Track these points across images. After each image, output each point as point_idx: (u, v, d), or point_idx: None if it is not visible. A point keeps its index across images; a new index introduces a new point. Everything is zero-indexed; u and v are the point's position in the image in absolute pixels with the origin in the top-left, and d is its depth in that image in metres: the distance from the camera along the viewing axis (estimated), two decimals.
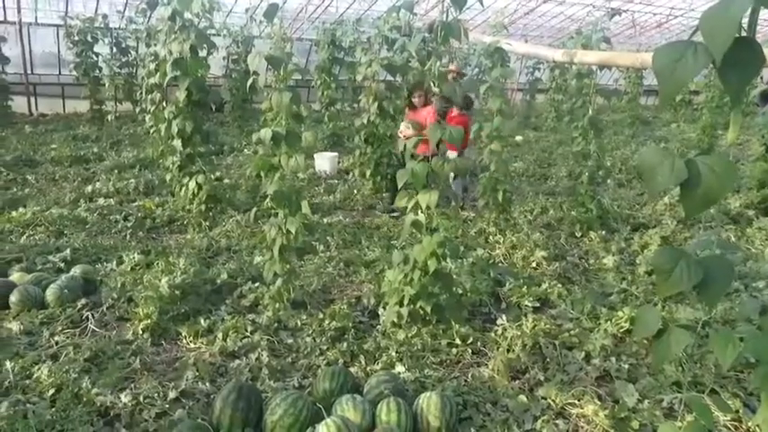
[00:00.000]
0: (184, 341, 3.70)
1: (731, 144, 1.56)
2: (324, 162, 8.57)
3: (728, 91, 1.40)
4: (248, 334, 3.74)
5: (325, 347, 3.62)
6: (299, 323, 3.88)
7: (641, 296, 4.43)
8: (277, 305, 3.99)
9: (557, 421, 2.97)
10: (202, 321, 3.85)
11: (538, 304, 4.28)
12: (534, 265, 5.07)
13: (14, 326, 3.70)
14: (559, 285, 4.53)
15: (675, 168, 1.53)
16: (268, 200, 3.88)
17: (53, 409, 2.88)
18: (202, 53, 5.64)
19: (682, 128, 13.81)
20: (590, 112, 5.89)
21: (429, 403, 2.85)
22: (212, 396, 3.05)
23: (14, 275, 4.33)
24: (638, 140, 12.04)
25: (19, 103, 10.68)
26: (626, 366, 3.44)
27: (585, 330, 3.87)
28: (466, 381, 3.32)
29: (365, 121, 7.31)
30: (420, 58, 7.15)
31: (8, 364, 3.23)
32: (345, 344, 3.62)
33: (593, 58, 4.06)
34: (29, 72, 11.85)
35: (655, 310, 1.79)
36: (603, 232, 5.88)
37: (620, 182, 8.40)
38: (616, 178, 8.48)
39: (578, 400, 3.11)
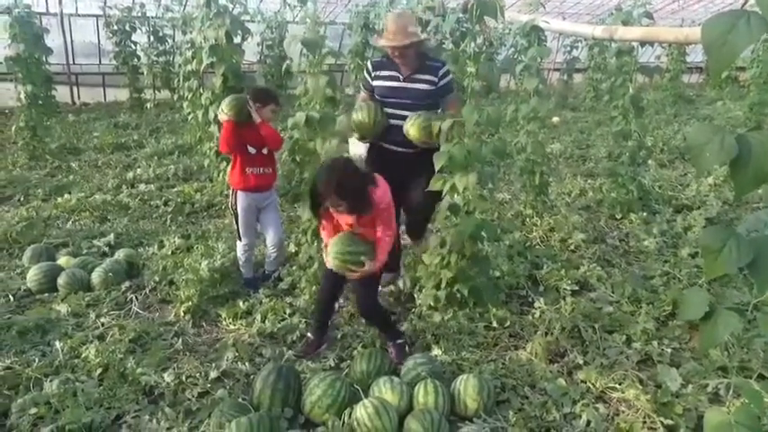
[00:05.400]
0: (224, 323, 3.77)
1: None
2: (358, 146, 8.55)
3: None
4: (286, 316, 3.79)
5: (361, 330, 3.64)
6: (335, 306, 3.91)
7: (684, 279, 4.31)
8: (313, 288, 4.03)
9: (597, 405, 2.92)
10: (241, 304, 3.91)
11: (576, 287, 4.20)
12: (572, 247, 4.99)
13: (63, 308, 3.84)
14: (599, 268, 4.45)
15: (725, 145, 1.47)
16: (303, 184, 3.90)
17: (101, 388, 3.00)
18: (237, 39, 5.67)
19: (727, 106, 13.28)
20: (630, 90, 5.72)
21: (467, 385, 2.85)
22: (252, 376, 3.11)
23: (61, 259, 4.49)
24: (680, 119, 11.64)
25: (62, 93, 10.92)
26: (668, 351, 3.36)
27: (626, 314, 3.80)
28: (503, 363, 3.29)
29: None
30: (454, 38, 7.03)
31: (58, 344, 3.36)
32: None
33: (634, 33, 3.91)
34: (71, 62, 12.14)
35: (702, 291, 1.74)
36: (645, 214, 5.73)
37: (662, 162, 8.15)
38: (658, 158, 8.23)
39: (619, 384, 3.06)
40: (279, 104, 3.91)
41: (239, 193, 4.00)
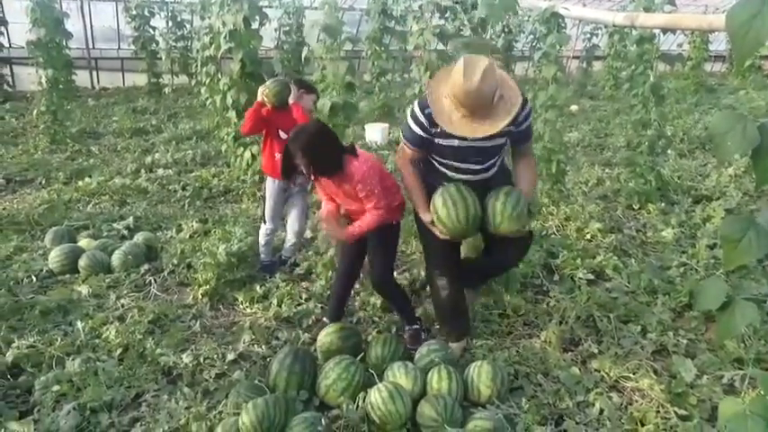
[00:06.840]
0: (241, 306, 3.83)
1: None
2: (375, 133, 8.57)
3: None
4: (302, 301, 3.84)
5: (377, 316, 3.67)
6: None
7: (702, 270, 4.27)
8: (330, 273, 4.06)
9: (610, 394, 2.93)
10: (258, 288, 3.96)
11: (592, 277, 4.18)
12: (589, 237, 4.96)
13: (84, 289, 3.92)
14: (615, 258, 4.42)
15: (748, 133, 1.46)
16: None
17: (121, 367, 3.07)
18: (255, 25, 5.67)
19: (750, 95, 13.02)
20: (651, 78, 5.63)
21: (480, 372, 2.86)
22: (268, 359, 3.16)
23: (82, 242, 4.56)
24: (701, 109, 11.45)
25: (82, 78, 11.06)
26: (684, 341, 3.35)
27: (642, 304, 3.78)
28: (517, 351, 3.30)
29: (416, 92, 7.21)
30: (473, 25, 6.95)
31: (79, 324, 3.43)
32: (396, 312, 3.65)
33: (656, 20, 3.85)
34: (90, 47, 12.24)
35: (720, 281, 1.73)
36: (663, 204, 5.68)
37: (682, 152, 8.04)
38: (677, 148, 8.12)
39: (633, 374, 3.06)
40: (318, 99, 3.95)
41: (268, 179, 4.07)
